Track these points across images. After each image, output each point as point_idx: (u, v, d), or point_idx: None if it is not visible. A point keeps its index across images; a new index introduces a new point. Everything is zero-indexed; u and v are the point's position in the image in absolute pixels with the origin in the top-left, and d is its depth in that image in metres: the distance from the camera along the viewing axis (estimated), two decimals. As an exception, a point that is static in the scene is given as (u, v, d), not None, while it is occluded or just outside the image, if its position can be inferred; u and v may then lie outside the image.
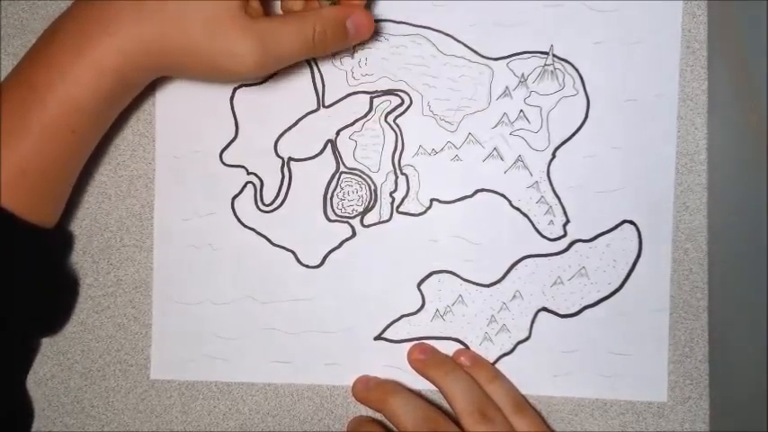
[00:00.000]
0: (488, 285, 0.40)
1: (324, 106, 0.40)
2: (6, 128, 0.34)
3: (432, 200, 0.40)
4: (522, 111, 0.40)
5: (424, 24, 0.39)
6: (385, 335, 0.40)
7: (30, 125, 0.34)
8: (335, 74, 0.40)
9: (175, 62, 0.35)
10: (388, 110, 0.40)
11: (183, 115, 0.40)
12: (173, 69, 0.36)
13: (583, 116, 0.39)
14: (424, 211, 0.40)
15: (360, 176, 0.40)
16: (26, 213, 0.34)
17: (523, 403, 0.39)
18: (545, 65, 0.39)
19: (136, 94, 0.37)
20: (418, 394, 0.39)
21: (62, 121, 0.34)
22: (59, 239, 0.39)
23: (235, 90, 0.40)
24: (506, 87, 0.40)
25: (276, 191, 0.40)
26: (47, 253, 0.37)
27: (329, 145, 0.40)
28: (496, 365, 0.40)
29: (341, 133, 0.40)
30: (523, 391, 0.39)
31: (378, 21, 0.39)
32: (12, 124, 0.34)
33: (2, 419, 0.38)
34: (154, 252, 0.40)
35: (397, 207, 0.40)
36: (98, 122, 0.36)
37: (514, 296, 0.40)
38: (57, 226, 0.37)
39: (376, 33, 0.39)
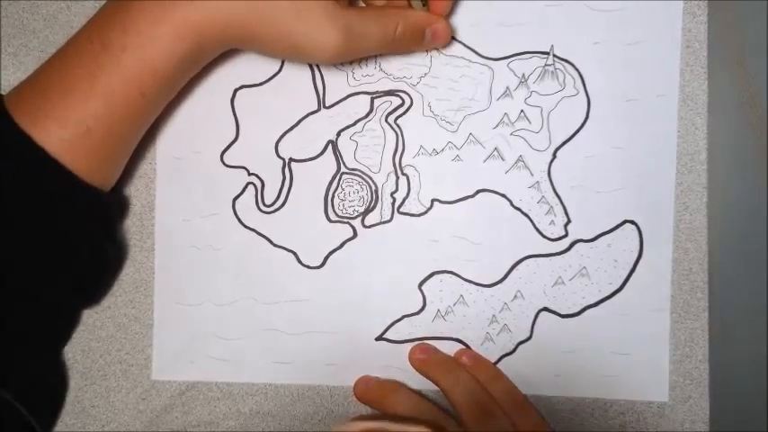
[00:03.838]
0: (489, 285, 0.40)
1: (324, 107, 0.40)
2: (75, 84, 0.33)
3: (433, 200, 0.40)
4: (522, 111, 0.40)
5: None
6: (386, 335, 0.40)
7: (100, 84, 0.33)
8: (336, 74, 0.40)
9: (254, 37, 0.34)
10: (389, 110, 0.40)
11: (183, 116, 0.40)
12: (249, 43, 0.35)
13: (583, 116, 0.39)
14: (425, 212, 0.40)
15: (361, 177, 0.40)
16: (85, 174, 0.34)
17: (524, 402, 0.39)
18: (545, 65, 0.39)
19: (207, 62, 0.37)
20: (420, 394, 0.39)
21: (134, 83, 0.33)
22: (115, 203, 0.38)
23: (235, 91, 0.40)
24: (507, 87, 0.40)
25: (277, 192, 0.40)
26: (103, 217, 0.36)
27: (330, 145, 0.40)
28: (497, 365, 0.40)
29: (342, 134, 0.40)
30: (524, 391, 0.39)
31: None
32: (81, 81, 0.33)
33: (41, 389, 0.38)
34: (155, 253, 0.40)
35: (398, 207, 0.40)
36: (168, 88, 0.36)
37: (515, 296, 0.40)
38: (112, 189, 0.37)
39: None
